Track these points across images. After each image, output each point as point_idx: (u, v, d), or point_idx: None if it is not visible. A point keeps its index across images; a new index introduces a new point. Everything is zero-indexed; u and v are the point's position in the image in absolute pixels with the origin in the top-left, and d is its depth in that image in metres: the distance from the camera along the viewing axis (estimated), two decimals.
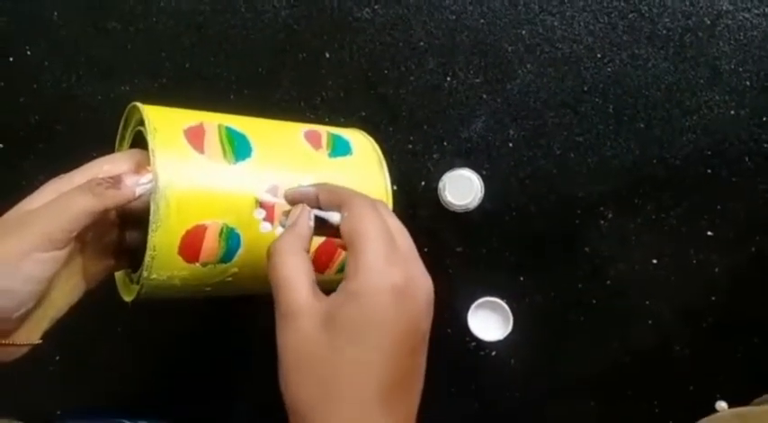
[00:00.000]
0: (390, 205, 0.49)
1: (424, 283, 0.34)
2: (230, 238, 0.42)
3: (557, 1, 0.63)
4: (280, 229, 0.42)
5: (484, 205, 0.62)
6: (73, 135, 0.65)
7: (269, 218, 0.43)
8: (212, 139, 0.43)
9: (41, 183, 0.41)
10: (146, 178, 0.39)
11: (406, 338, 0.32)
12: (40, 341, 0.41)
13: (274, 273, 0.34)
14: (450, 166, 0.62)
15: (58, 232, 0.37)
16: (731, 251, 0.62)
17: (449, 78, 0.63)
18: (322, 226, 0.37)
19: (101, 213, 0.38)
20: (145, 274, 0.40)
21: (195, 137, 0.42)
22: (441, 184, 0.61)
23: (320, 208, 0.37)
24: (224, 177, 0.41)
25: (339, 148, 0.49)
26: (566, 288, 0.63)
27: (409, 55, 0.63)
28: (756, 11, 0.62)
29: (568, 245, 0.63)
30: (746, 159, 0.62)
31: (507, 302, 0.62)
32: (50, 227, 0.37)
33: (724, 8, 0.62)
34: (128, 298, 0.45)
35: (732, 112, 0.62)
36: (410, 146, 0.64)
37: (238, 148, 0.43)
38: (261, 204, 0.42)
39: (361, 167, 0.49)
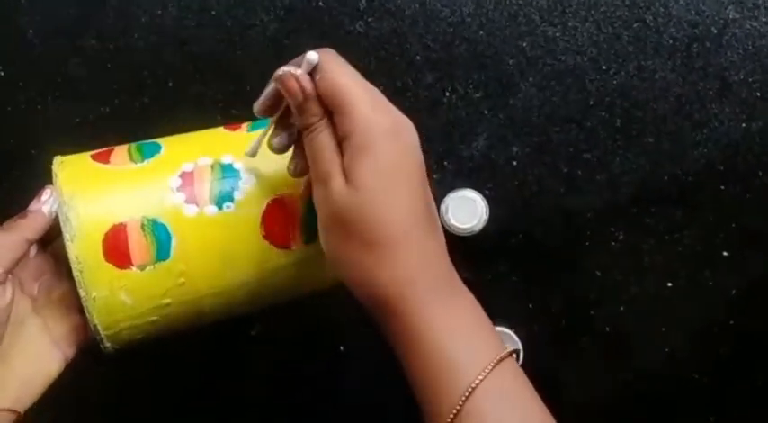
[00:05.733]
0: None
1: (407, 122, 0.37)
2: (156, 230, 0.40)
3: (558, 11, 0.60)
4: (210, 209, 0.41)
5: (489, 228, 0.59)
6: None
7: (190, 199, 0.41)
8: (120, 153, 0.43)
9: (14, 211, 0.40)
10: (45, 194, 0.41)
11: (413, 175, 0.35)
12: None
13: (307, 149, 0.37)
14: (452, 187, 0.60)
15: None
16: (748, 272, 0.60)
17: (448, 94, 0.61)
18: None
19: (24, 247, 0.38)
20: (82, 293, 0.38)
21: (101, 156, 0.43)
22: (443, 207, 0.59)
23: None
24: (131, 175, 0.42)
25: (260, 123, 0.47)
26: (576, 315, 0.61)
27: (405, 70, 0.61)
28: (764, 19, 0.60)
29: (578, 268, 0.61)
30: (760, 174, 0.60)
31: (515, 331, 0.59)
32: None
33: (731, 17, 0.60)
34: (102, 347, 0.42)
35: (743, 125, 0.60)
36: None
37: (146, 151, 0.43)
38: (178, 188, 0.41)
39: None
